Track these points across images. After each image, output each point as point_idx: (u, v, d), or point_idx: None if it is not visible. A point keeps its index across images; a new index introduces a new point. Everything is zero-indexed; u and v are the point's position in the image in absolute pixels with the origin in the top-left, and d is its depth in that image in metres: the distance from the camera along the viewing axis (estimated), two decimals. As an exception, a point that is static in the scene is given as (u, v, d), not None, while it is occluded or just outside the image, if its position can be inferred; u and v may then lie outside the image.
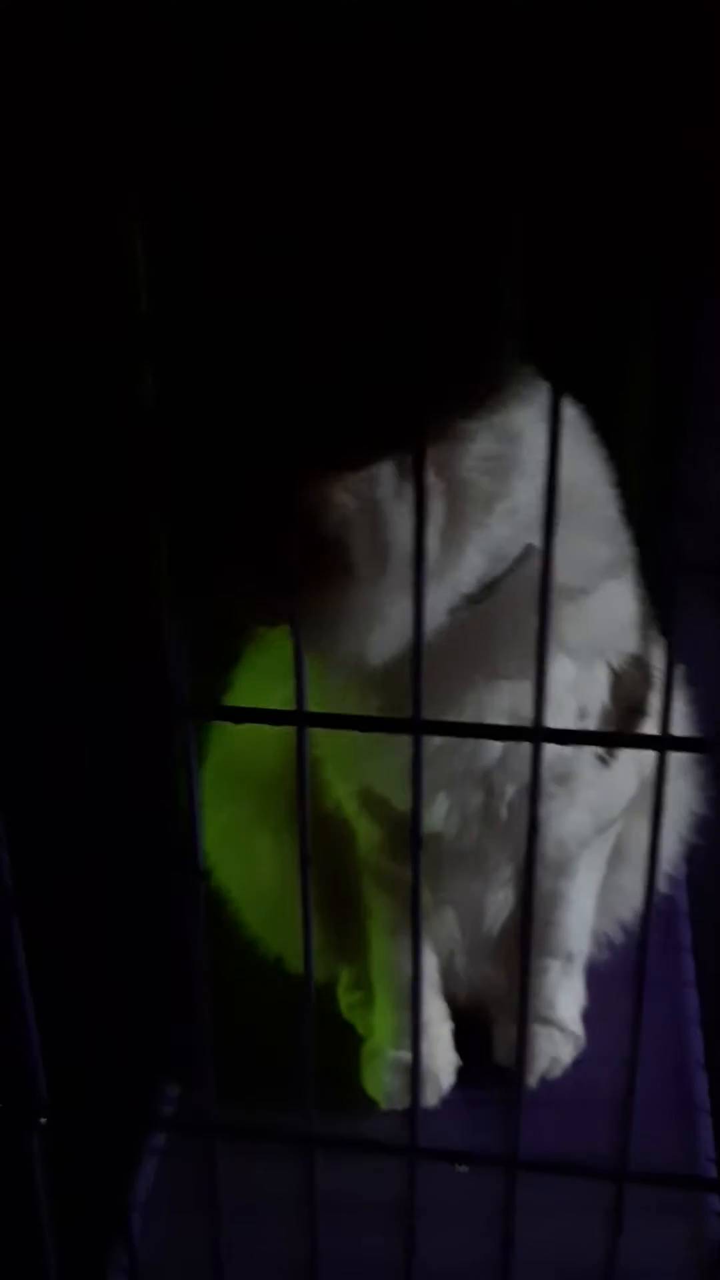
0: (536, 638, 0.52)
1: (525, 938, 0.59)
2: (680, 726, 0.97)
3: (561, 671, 0.78)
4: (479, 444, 0.70)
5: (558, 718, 0.78)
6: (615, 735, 0.63)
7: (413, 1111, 0.64)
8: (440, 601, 0.72)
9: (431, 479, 0.69)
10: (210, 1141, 0.66)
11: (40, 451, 0.89)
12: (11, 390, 0.86)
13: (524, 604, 0.71)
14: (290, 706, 0.70)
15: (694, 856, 1.14)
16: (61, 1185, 0.71)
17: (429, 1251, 0.66)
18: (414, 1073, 0.62)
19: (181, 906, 0.66)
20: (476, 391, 0.69)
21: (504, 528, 0.71)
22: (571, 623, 0.77)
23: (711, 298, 0.54)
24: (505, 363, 0.69)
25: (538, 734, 0.53)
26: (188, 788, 0.60)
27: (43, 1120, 0.68)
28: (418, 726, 0.55)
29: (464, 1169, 0.65)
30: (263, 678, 0.89)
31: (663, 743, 0.54)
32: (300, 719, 0.56)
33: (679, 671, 0.99)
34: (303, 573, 0.68)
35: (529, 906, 0.58)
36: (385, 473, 0.67)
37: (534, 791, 0.55)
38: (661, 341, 1.14)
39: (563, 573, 0.75)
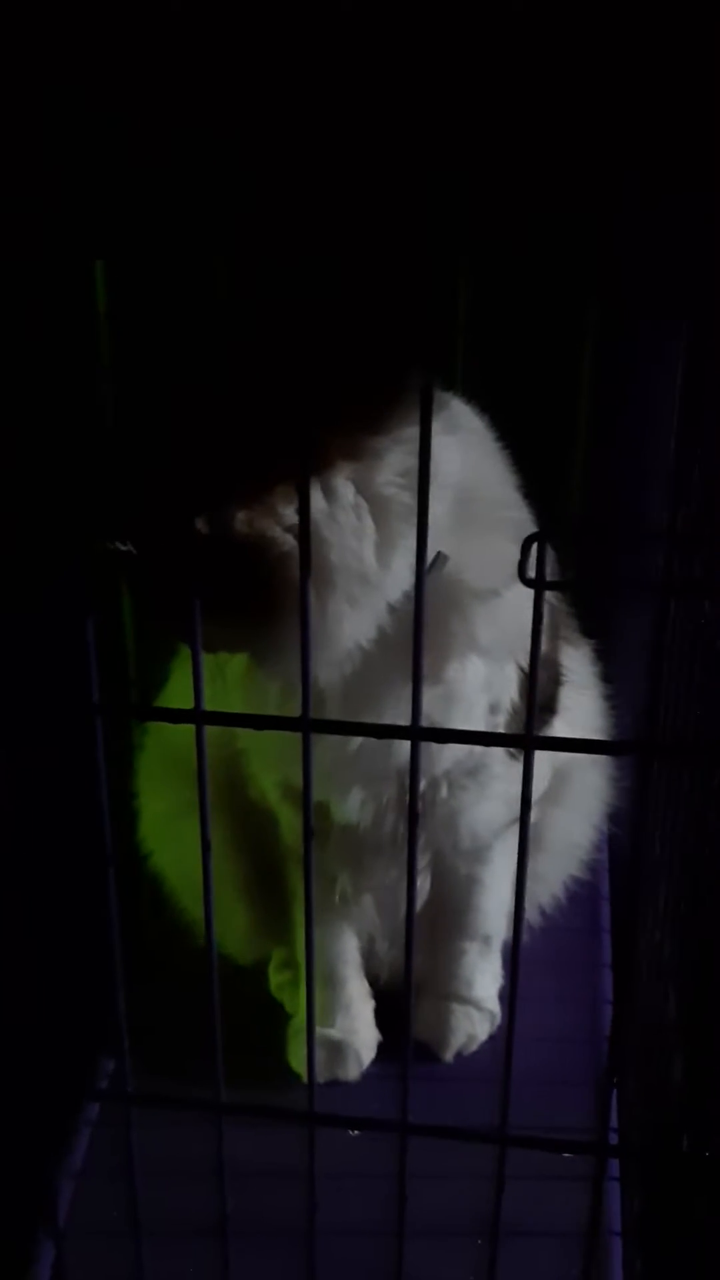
0: (413, 641, 0.56)
1: (409, 920, 0.64)
2: (600, 725, 1.02)
3: (473, 671, 0.82)
4: (394, 459, 0.74)
5: (470, 714, 0.83)
6: (486, 735, 0.68)
7: (310, 1080, 0.69)
8: (375, 613, 0.76)
9: (353, 497, 0.74)
10: (127, 1109, 0.71)
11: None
12: None
13: (436, 608, 0.76)
14: (219, 702, 0.75)
15: (615, 844, 1.20)
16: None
17: (335, 1212, 0.72)
18: (309, 1045, 0.67)
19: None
20: (383, 409, 0.74)
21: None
22: (483, 623, 0.81)
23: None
24: (409, 379, 0.73)
25: (415, 733, 0.58)
26: (101, 779, 0.64)
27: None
28: (306, 725, 0.60)
29: (355, 1133, 0.70)
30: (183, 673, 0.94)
31: (529, 742, 0.58)
32: (198, 718, 0.61)
33: (601, 672, 1.04)
34: (248, 603, 0.72)
35: (412, 895, 0.62)
36: (312, 496, 0.72)
37: (413, 784, 0.60)
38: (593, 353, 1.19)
39: (474, 575, 0.80)
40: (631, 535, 1.07)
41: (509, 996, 0.66)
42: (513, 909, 1.03)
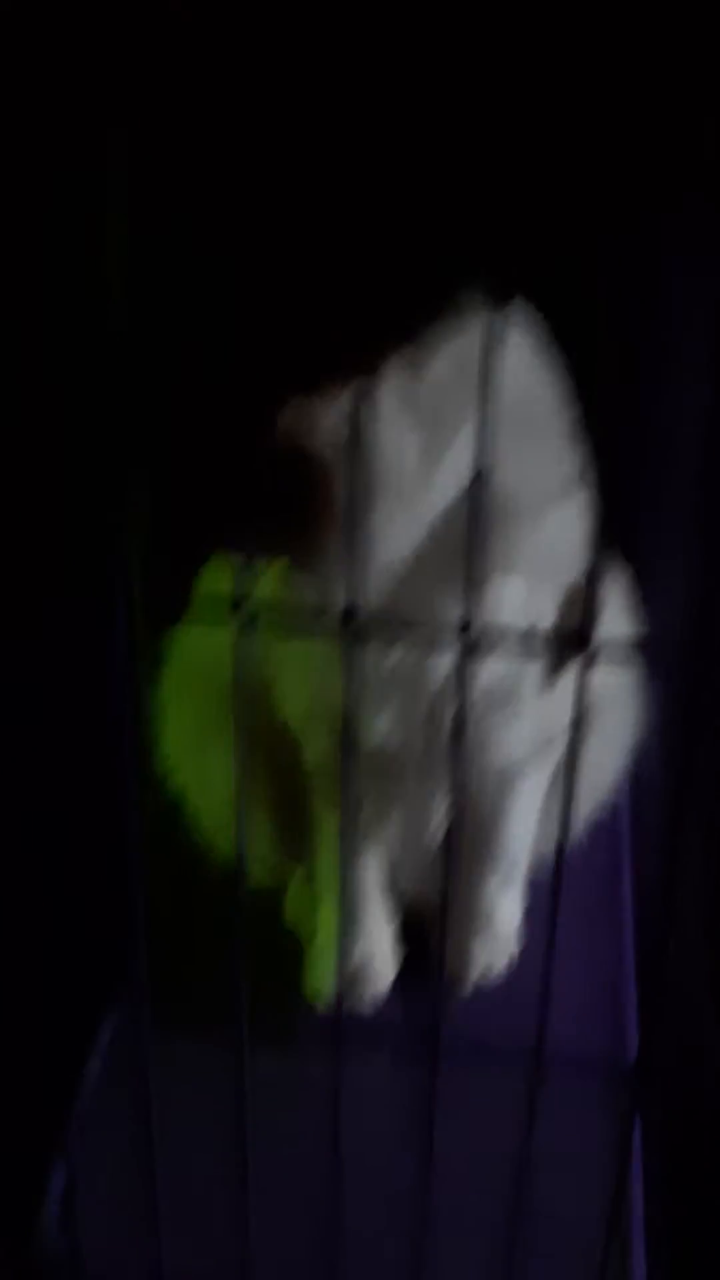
0: (468, 542, 0.54)
1: (450, 847, 0.62)
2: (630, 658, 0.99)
3: (512, 592, 0.80)
4: (441, 367, 0.71)
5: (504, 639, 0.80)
6: (540, 644, 0.65)
7: (338, 1004, 0.68)
8: (414, 529, 0.74)
9: (397, 405, 0.71)
10: (144, 1033, 0.70)
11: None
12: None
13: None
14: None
15: (638, 777, 1.18)
16: (10, 1075, 0.74)
17: (356, 1138, 0.70)
18: (339, 967, 0.65)
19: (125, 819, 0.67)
20: (429, 314, 0.71)
21: (466, 452, 0.73)
22: (523, 543, 0.78)
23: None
24: (456, 281, 0.70)
25: (467, 640, 0.56)
26: (130, 700, 0.62)
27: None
28: (351, 631, 0.57)
29: (384, 1058, 0.68)
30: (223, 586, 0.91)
31: (588, 652, 0.56)
32: (238, 618, 0.58)
33: (633, 600, 1.02)
34: (290, 514, 0.70)
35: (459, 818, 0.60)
36: (356, 402, 0.69)
37: (462, 697, 0.58)
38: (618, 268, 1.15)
39: (520, 490, 0.77)
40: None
41: (549, 929, 0.64)
42: (557, 830, 1.03)
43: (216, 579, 0.91)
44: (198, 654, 0.96)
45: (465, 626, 0.55)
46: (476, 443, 0.51)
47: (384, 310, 0.70)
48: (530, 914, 1.05)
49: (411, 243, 0.68)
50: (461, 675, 0.56)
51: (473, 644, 0.56)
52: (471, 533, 0.53)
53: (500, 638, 0.78)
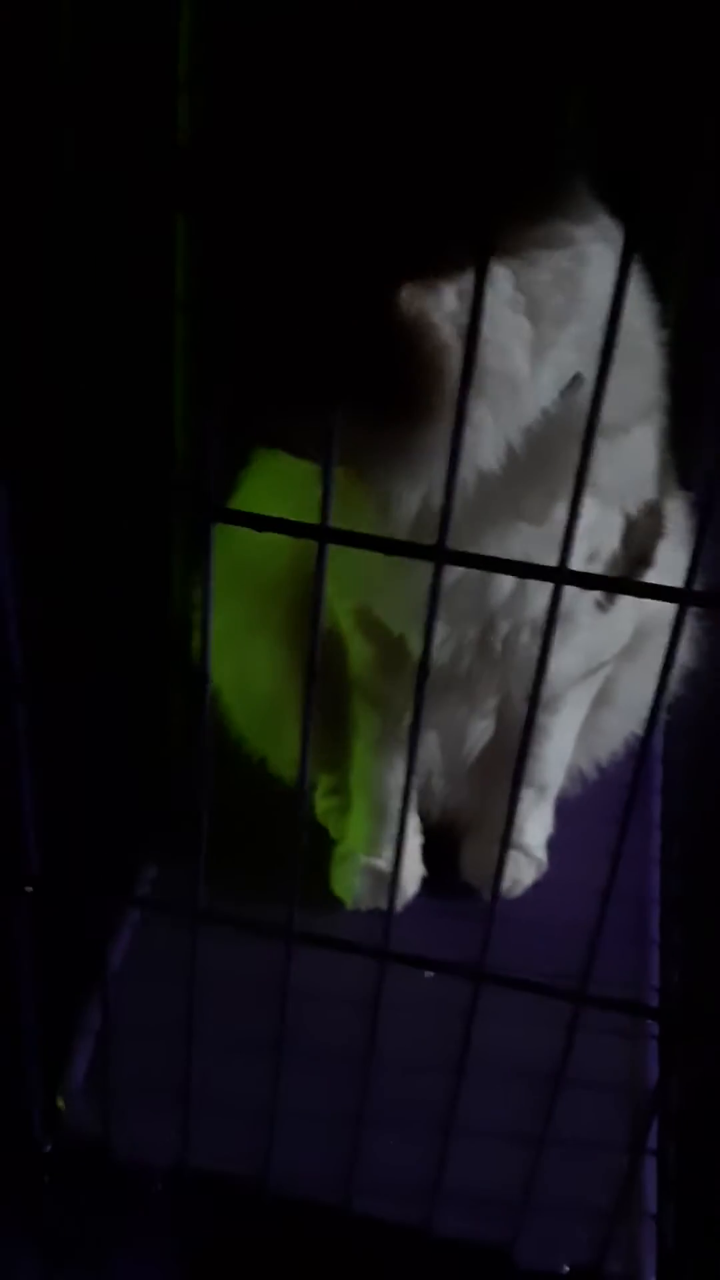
0: (575, 476, 0.52)
1: (518, 769, 0.61)
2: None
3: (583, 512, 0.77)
4: (551, 258, 0.67)
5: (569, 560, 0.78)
6: (636, 584, 0.63)
7: (388, 918, 0.67)
8: (514, 426, 0.70)
9: (512, 292, 0.67)
10: (193, 925, 0.69)
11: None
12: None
13: (556, 439, 0.70)
14: (298, 517, 0.70)
15: (675, 705, 1.17)
16: (43, 950, 0.74)
17: (389, 1047, 0.71)
18: (393, 880, 0.65)
19: (173, 700, 0.66)
20: (545, 204, 0.67)
21: (570, 352, 0.69)
22: (604, 462, 0.75)
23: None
24: (568, 171, 0.66)
25: (561, 575, 0.54)
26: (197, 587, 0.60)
27: (29, 889, 0.70)
28: (441, 555, 0.55)
29: (430, 975, 0.68)
30: (274, 483, 0.88)
31: (685, 597, 0.54)
32: (323, 534, 0.56)
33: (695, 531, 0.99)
34: (390, 400, 0.66)
35: (525, 740, 0.59)
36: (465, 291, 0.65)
37: (548, 634, 0.56)
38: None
39: (606, 409, 0.74)
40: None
41: (613, 859, 0.64)
42: (585, 760, 1.02)
43: (265, 484, 0.89)
44: (244, 549, 0.94)
45: (561, 568, 0.52)
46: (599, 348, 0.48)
47: (505, 189, 0.65)
48: (561, 833, 1.04)
49: (533, 127, 0.64)
50: (551, 618, 0.54)
51: (565, 584, 0.53)
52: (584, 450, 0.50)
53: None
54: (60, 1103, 0.84)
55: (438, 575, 0.56)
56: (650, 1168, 0.82)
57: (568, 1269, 0.78)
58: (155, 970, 0.73)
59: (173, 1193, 0.80)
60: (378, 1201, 0.78)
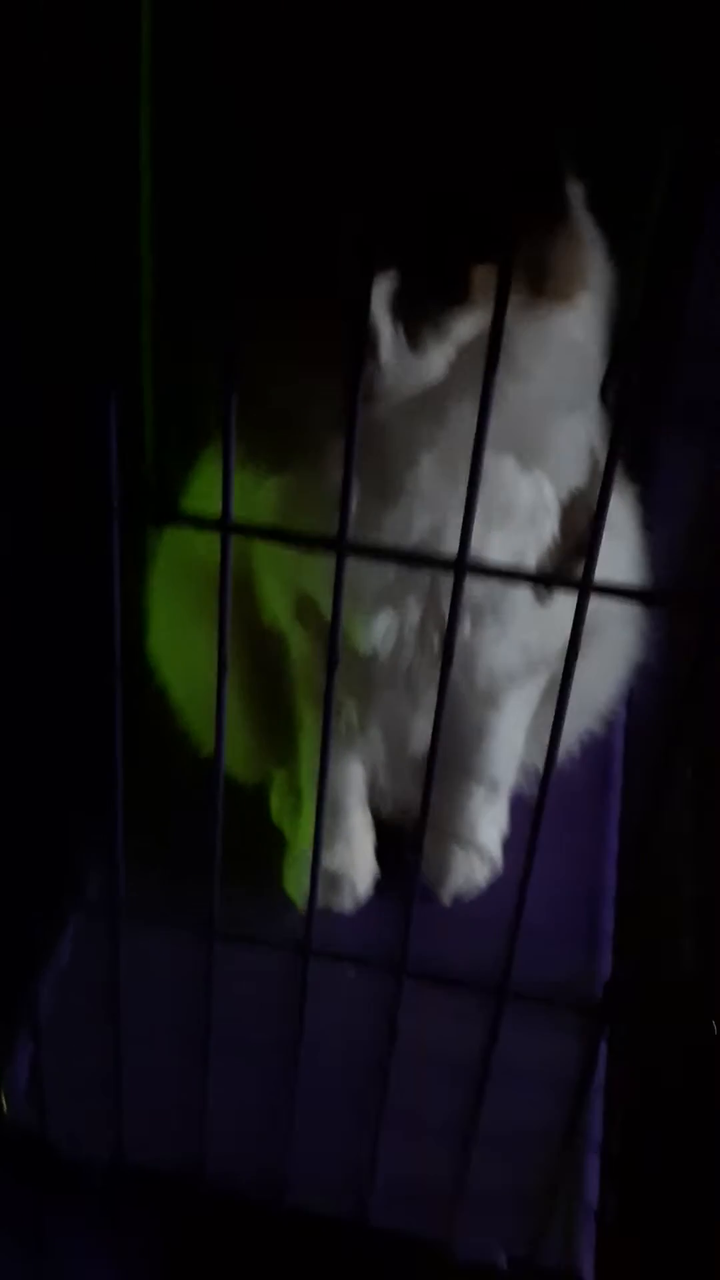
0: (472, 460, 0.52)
1: (431, 763, 0.61)
2: (633, 575, 0.97)
3: (527, 485, 0.77)
4: None
5: (509, 534, 0.77)
6: (538, 575, 0.63)
7: (309, 915, 0.67)
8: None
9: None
10: (114, 921, 0.69)
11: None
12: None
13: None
14: (247, 512, 0.70)
15: (633, 701, 1.17)
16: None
17: (326, 1044, 0.71)
18: (313, 878, 0.64)
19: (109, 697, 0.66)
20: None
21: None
22: (538, 439, 0.75)
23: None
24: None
25: (461, 567, 0.54)
26: (114, 583, 0.60)
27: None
28: (341, 545, 0.55)
29: (352, 974, 0.68)
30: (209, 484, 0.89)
31: (585, 587, 0.54)
32: (225, 528, 0.56)
33: (642, 519, 0.99)
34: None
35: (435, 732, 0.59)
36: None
37: (451, 624, 0.56)
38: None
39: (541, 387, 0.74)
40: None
41: (529, 849, 0.64)
42: (531, 756, 1.02)
43: (208, 482, 0.89)
44: (185, 548, 0.94)
45: (460, 559, 0.52)
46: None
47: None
48: (517, 830, 1.04)
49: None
50: (454, 612, 0.54)
51: (464, 572, 0.53)
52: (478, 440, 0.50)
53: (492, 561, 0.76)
54: (3, 1102, 0.85)
55: (340, 566, 0.56)
56: (593, 1161, 0.82)
57: (506, 1262, 0.78)
58: (98, 970, 0.73)
59: (112, 1187, 0.80)
60: (313, 1195, 0.78)
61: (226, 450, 0.54)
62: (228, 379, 0.51)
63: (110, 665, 0.62)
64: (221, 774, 0.64)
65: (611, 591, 0.55)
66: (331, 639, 0.58)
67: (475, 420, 0.70)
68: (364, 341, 0.63)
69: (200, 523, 0.58)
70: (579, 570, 0.84)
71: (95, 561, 0.62)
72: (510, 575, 0.57)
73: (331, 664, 0.59)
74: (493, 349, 0.48)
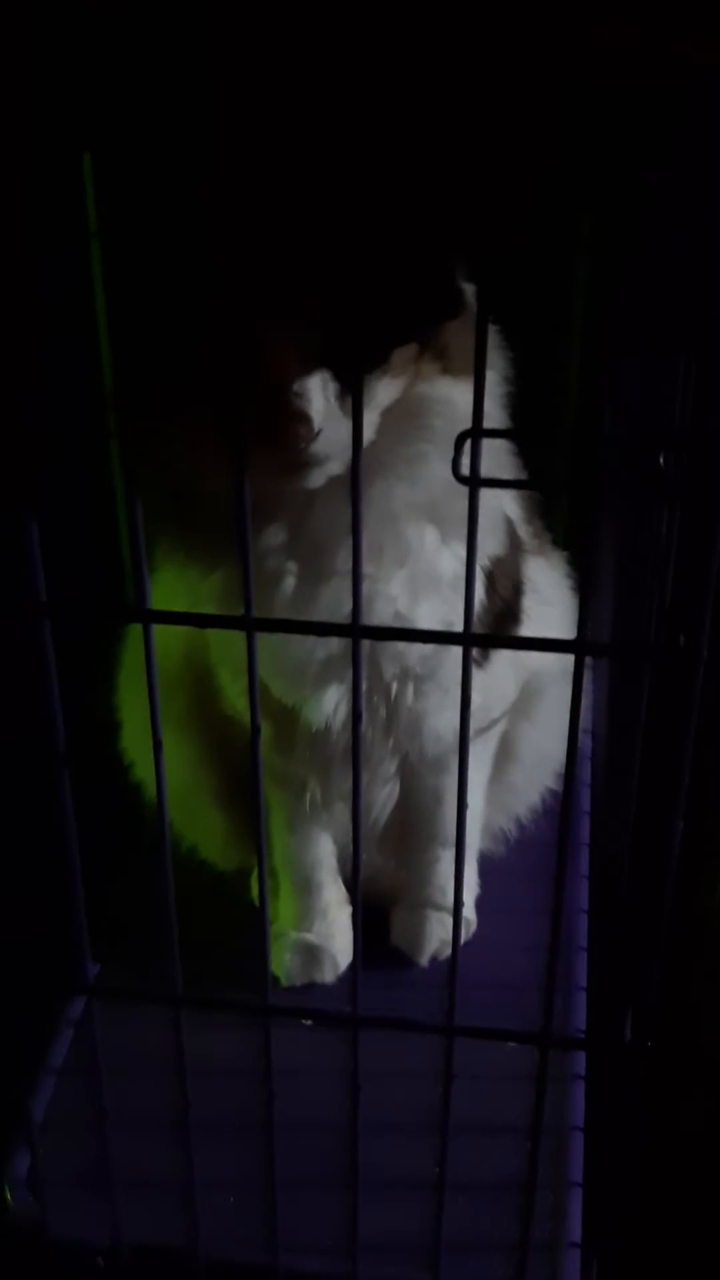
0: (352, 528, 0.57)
1: (355, 829, 0.65)
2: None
3: (457, 563, 0.82)
4: None
5: (437, 603, 0.83)
6: (424, 633, 0.68)
7: (263, 973, 0.71)
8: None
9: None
10: (88, 1002, 0.74)
11: None
12: None
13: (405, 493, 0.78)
14: (194, 605, 0.75)
15: (596, 757, 1.21)
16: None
17: (297, 1106, 0.74)
18: (261, 935, 0.68)
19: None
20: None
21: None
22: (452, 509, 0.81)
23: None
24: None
25: (356, 631, 0.59)
26: (51, 682, 0.65)
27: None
28: (249, 624, 0.61)
29: (308, 1023, 0.72)
30: (172, 583, 0.94)
31: (466, 639, 0.59)
32: (144, 616, 0.62)
33: (571, 581, 1.04)
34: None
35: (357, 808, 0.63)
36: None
37: (355, 684, 0.61)
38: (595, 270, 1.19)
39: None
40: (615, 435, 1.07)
41: (455, 882, 0.68)
42: (464, 809, 1.06)
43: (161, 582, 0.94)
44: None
45: (354, 623, 0.58)
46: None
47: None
48: (489, 892, 1.08)
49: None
50: (355, 676, 0.59)
51: (360, 637, 0.58)
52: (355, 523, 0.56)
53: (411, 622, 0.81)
54: (6, 1194, 0.87)
55: (251, 643, 0.61)
56: (575, 1200, 0.84)
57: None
58: (95, 1055, 0.76)
59: (111, 1268, 0.83)
60: (302, 1257, 0.80)
61: (135, 543, 0.60)
62: (130, 476, 0.57)
63: (55, 759, 0.67)
64: (167, 843, 0.69)
65: (601, 650, 0.60)
66: (251, 708, 0.63)
67: (396, 495, 0.77)
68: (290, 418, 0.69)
69: (126, 615, 0.64)
70: (510, 630, 0.89)
71: (33, 662, 0.67)
72: (399, 635, 0.62)
73: (254, 730, 0.64)
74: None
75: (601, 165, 1.05)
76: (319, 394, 0.70)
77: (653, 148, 0.91)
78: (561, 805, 0.61)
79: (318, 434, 0.70)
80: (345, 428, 0.69)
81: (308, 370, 0.69)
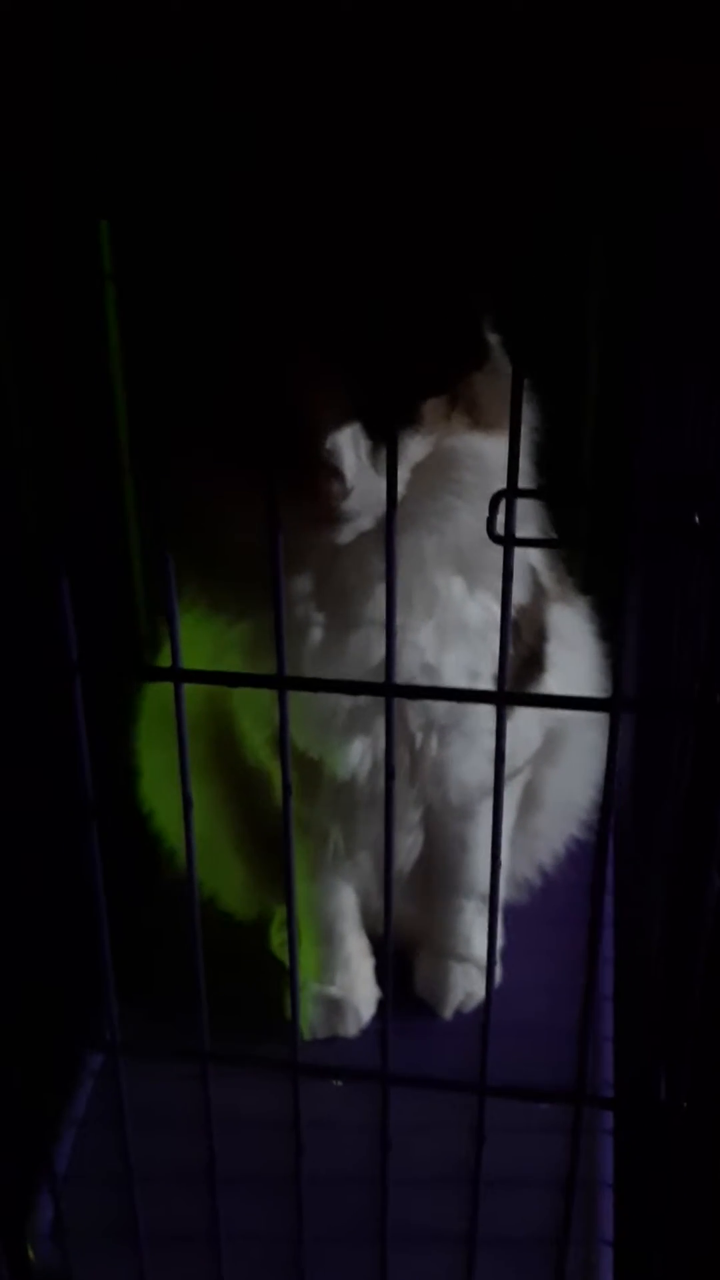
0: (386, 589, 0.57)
1: (387, 879, 0.64)
2: (595, 683, 1.02)
3: (486, 611, 0.82)
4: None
5: (463, 653, 0.83)
6: (458, 691, 0.68)
7: (292, 1029, 0.70)
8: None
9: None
10: (115, 1058, 0.73)
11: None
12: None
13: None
14: (218, 655, 0.75)
15: (622, 805, 1.20)
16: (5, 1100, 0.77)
17: (325, 1161, 0.73)
18: (292, 990, 0.68)
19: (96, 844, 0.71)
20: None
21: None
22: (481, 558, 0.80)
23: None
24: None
25: (390, 690, 0.59)
26: (80, 736, 0.65)
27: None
28: (282, 682, 0.60)
29: (339, 1083, 0.71)
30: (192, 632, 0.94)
31: (501, 698, 0.59)
32: (176, 675, 0.62)
33: (596, 636, 1.04)
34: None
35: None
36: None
37: (388, 742, 0.60)
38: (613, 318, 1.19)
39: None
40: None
41: (488, 942, 0.67)
42: (498, 865, 1.05)
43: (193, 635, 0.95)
44: (168, 695, 0.99)
45: (388, 681, 0.57)
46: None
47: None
48: (507, 935, 1.07)
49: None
50: (389, 733, 0.59)
51: (393, 696, 0.58)
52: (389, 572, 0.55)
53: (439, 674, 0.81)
54: (30, 1252, 0.86)
55: (283, 702, 0.61)
56: (606, 1258, 0.83)
57: None
58: (116, 1109, 0.76)
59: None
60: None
61: (170, 607, 0.60)
62: (160, 535, 0.57)
63: (83, 813, 0.67)
64: (196, 899, 0.68)
65: (638, 706, 0.60)
66: (283, 767, 0.63)
67: (425, 548, 0.77)
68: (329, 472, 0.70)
69: (155, 674, 0.63)
70: (533, 680, 0.89)
71: (63, 716, 0.67)
72: (433, 694, 0.62)
73: (285, 789, 0.63)
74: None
75: (614, 215, 1.06)
76: (351, 450, 0.70)
77: (660, 193, 0.92)
78: (593, 878, 0.60)
79: (350, 490, 0.70)
80: (376, 483, 0.69)
81: (340, 425, 0.69)
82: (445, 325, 0.74)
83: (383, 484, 0.72)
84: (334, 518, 0.71)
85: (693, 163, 0.79)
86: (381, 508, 0.73)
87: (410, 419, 0.73)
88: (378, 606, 0.80)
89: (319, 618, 0.80)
